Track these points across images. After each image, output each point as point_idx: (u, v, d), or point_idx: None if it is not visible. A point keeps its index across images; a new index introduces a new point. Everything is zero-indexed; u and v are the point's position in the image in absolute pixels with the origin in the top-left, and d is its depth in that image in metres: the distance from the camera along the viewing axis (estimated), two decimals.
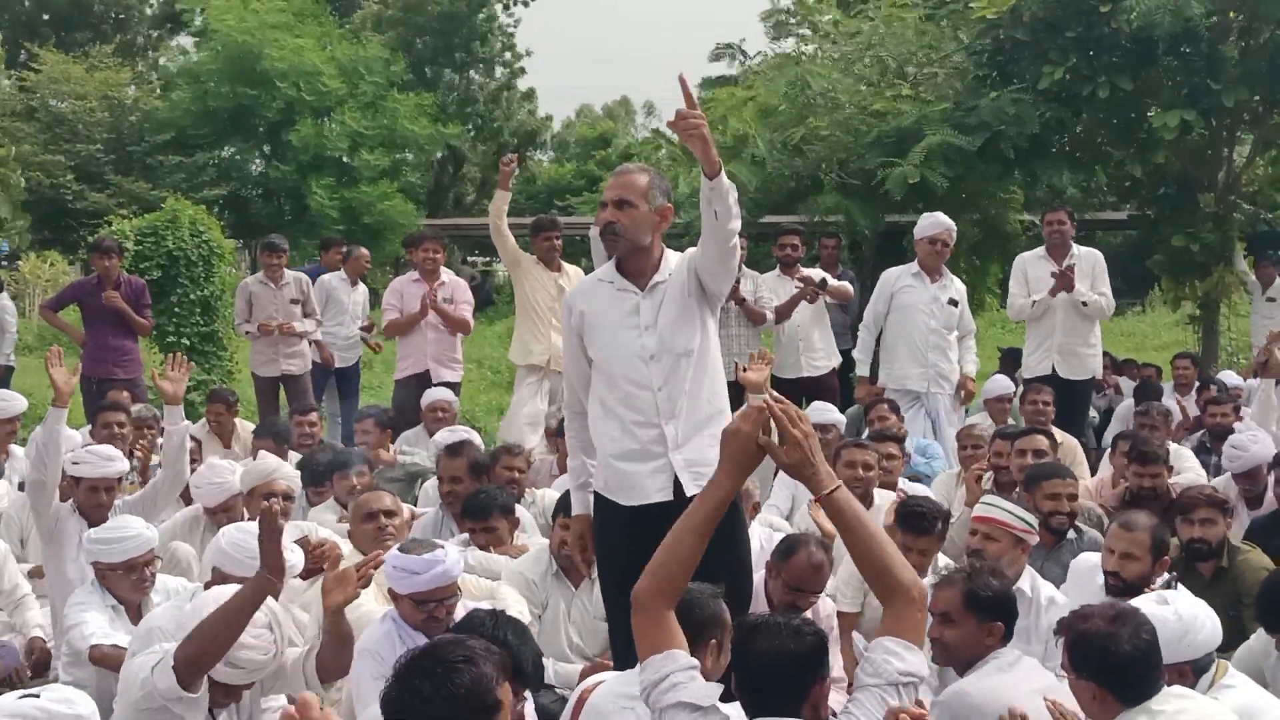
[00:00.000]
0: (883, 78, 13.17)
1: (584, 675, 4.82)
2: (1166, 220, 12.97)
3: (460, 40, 31.96)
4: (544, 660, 4.90)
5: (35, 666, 5.50)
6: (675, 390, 4.27)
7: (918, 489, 6.71)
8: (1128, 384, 11.83)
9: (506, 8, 33.97)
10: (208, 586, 4.47)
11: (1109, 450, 7.63)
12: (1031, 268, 9.02)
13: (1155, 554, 4.68)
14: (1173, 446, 7.36)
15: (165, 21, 34.95)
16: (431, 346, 9.17)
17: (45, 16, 34.36)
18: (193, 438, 7.30)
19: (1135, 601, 3.78)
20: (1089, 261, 8.99)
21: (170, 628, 4.22)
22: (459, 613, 4.24)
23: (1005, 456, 6.65)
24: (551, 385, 8.55)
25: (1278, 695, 4.04)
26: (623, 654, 4.20)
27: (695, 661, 3.05)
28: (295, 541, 5.36)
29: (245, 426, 8.55)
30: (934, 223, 8.55)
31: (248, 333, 9.77)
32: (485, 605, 4.33)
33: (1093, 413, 10.05)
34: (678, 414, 4.27)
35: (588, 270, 6.79)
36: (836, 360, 9.58)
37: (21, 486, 6.72)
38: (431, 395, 8.48)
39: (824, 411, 7.37)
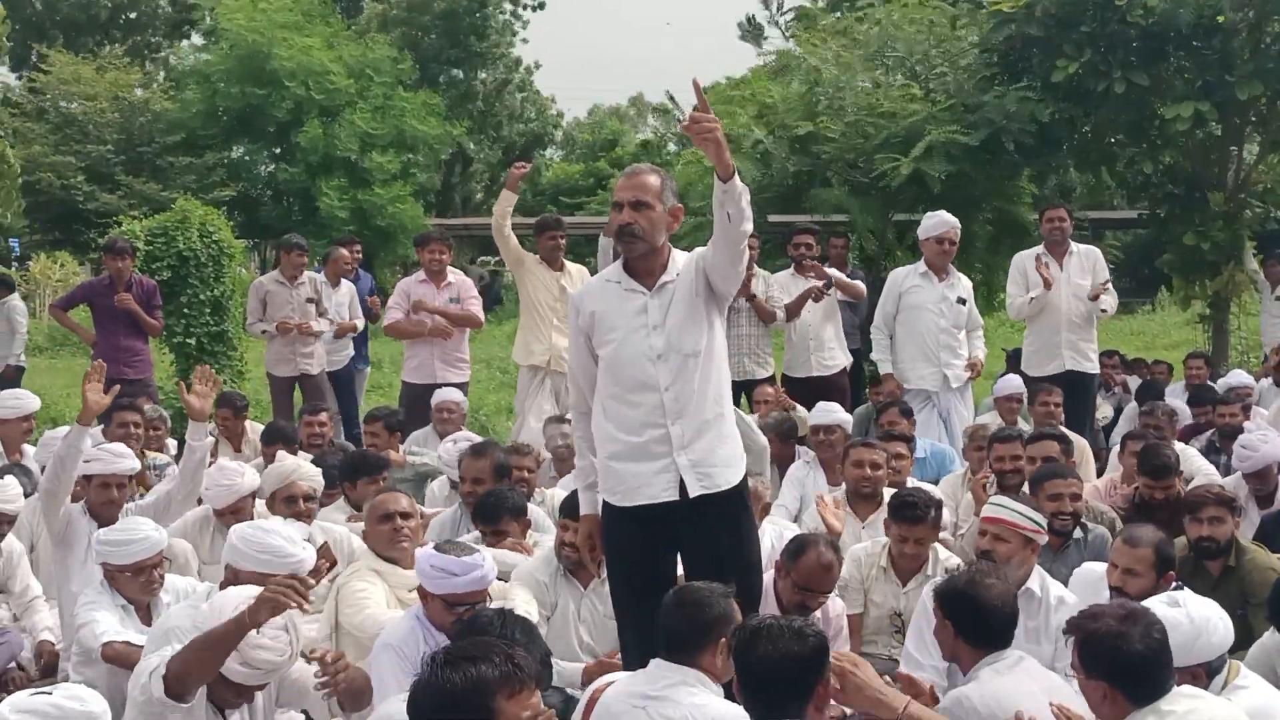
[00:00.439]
0: (889, 76, 13.16)
1: (587, 673, 4.84)
2: (1176, 219, 12.95)
3: (463, 37, 31.97)
4: (553, 660, 4.93)
5: (44, 670, 5.51)
6: (682, 390, 4.26)
7: (927, 488, 6.68)
8: (1137, 383, 11.81)
9: (516, 8, 33.98)
10: (222, 586, 4.49)
11: (1118, 450, 7.61)
12: (1032, 267, 8.97)
13: (1160, 569, 4.64)
14: (1179, 446, 7.35)
15: (176, 22, 35.02)
16: (438, 347, 9.19)
17: (56, 18, 34.45)
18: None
19: (1146, 602, 3.77)
20: (1089, 258, 8.98)
21: (188, 626, 4.23)
22: None
23: (1005, 460, 6.61)
24: (553, 384, 8.61)
25: None
26: (632, 653, 4.21)
27: None
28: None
29: (255, 429, 8.56)
30: (939, 221, 8.54)
31: (264, 331, 9.75)
32: (495, 604, 4.34)
33: (1108, 412, 10.02)
34: (684, 414, 4.26)
35: (593, 270, 6.83)
36: (847, 360, 9.58)
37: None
38: (440, 395, 8.49)
39: (830, 412, 7.35)
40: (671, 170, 11.01)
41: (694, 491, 4.24)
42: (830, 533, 5.76)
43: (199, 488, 6.01)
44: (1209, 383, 10.04)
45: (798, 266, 9.43)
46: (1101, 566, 4.91)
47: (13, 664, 5.48)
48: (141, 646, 4.44)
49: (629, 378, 4.29)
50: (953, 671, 4.28)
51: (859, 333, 10.03)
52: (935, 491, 6.42)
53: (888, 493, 6.26)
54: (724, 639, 3.65)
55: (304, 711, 4.37)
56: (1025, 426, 8.53)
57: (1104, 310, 8.92)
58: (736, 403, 6.28)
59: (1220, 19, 11.36)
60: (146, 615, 4.81)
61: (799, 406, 7.96)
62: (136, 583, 4.79)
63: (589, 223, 28.75)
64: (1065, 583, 5.09)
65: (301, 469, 5.72)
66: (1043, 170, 13.15)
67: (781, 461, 7.69)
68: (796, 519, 6.63)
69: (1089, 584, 5.03)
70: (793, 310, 9.21)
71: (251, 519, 5.54)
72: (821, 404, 7.45)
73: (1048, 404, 8.22)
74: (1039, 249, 9.07)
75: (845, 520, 6.17)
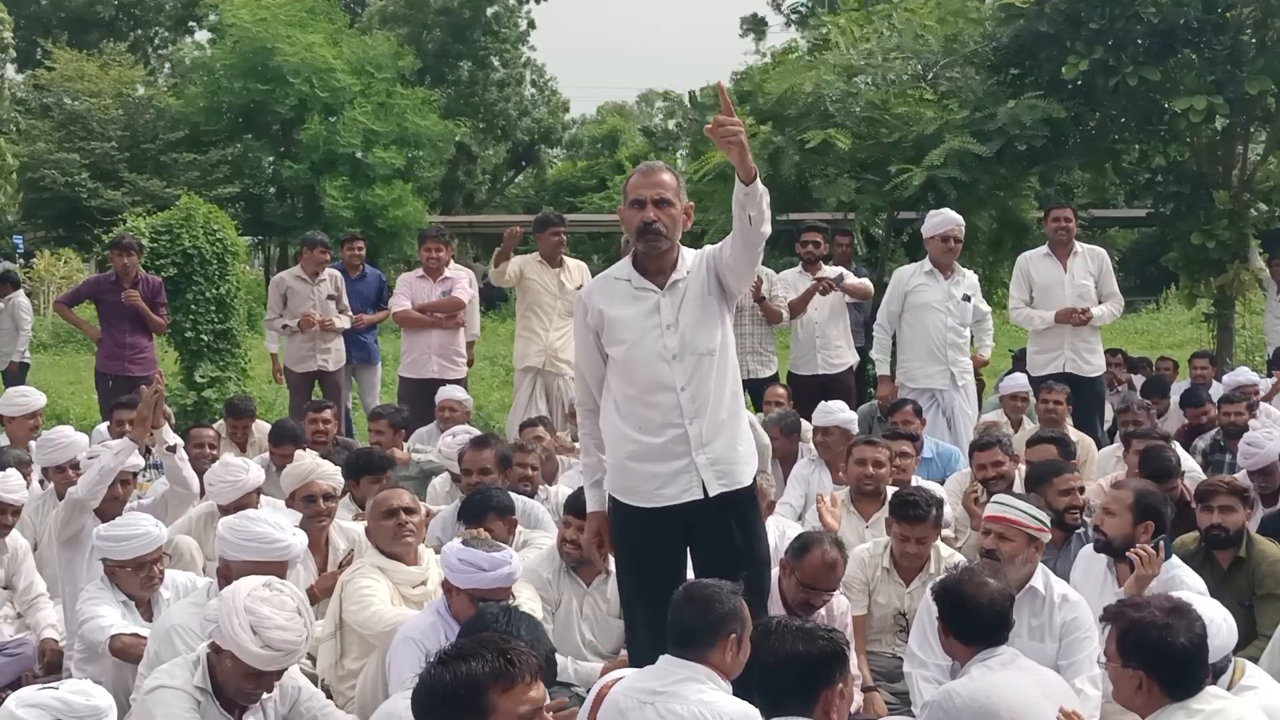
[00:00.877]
0: (899, 72, 13.16)
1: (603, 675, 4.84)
2: (1182, 217, 12.95)
3: (468, 33, 31.95)
4: (563, 659, 4.94)
5: (47, 668, 5.51)
6: (698, 390, 4.26)
7: (932, 487, 6.69)
8: (1141, 381, 11.80)
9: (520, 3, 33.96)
10: (218, 578, 4.48)
11: (1121, 449, 7.62)
12: (1035, 268, 8.94)
13: (1139, 514, 4.83)
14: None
15: (180, 18, 35.03)
16: (436, 341, 9.20)
17: (61, 14, 34.46)
18: (211, 445, 7.27)
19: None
20: (1095, 260, 8.93)
21: (193, 625, 4.24)
22: None
23: (987, 468, 6.56)
24: (545, 383, 8.69)
25: None
26: (640, 652, 4.21)
27: None
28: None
29: (261, 428, 8.56)
30: (943, 219, 8.52)
31: (284, 326, 9.74)
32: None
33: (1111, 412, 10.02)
34: (702, 413, 4.26)
35: (598, 268, 6.84)
36: (854, 359, 9.58)
37: (42, 484, 6.75)
38: (443, 394, 8.51)
39: (829, 414, 7.29)
40: (671, 161, 11.02)
41: (714, 491, 4.25)
42: (827, 528, 5.77)
43: (192, 491, 6.04)
44: (1202, 383, 10.06)
45: (806, 264, 9.43)
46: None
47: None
48: (148, 638, 4.46)
49: (644, 378, 4.28)
50: (957, 669, 4.28)
51: (863, 331, 10.02)
52: (937, 489, 6.45)
53: (891, 491, 6.26)
54: (733, 635, 3.65)
55: None
56: (1031, 425, 8.55)
57: (1104, 321, 8.87)
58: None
59: (1227, 15, 11.38)
60: (148, 611, 4.82)
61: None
62: (136, 578, 4.79)
63: (590, 220, 28.80)
64: (1067, 578, 5.10)
65: (321, 468, 5.67)
66: (1048, 170, 13.13)
67: (785, 457, 7.69)
68: (800, 518, 6.63)
69: (1088, 558, 5.09)
70: (796, 307, 9.20)
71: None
72: (823, 404, 7.42)
73: (1048, 402, 8.21)
74: (1043, 249, 9.04)
75: (842, 518, 6.15)
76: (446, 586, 4.35)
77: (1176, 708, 3.42)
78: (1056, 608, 4.65)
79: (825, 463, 7.16)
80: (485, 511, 5.48)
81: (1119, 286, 9.17)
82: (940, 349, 8.38)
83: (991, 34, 12.61)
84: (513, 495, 6.17)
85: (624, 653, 5.12)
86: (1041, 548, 4.80)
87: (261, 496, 6.00)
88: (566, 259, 8.96)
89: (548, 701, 2.96)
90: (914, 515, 5.29)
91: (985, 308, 8.86)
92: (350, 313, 9.79)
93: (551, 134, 37.06)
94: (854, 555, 5.46)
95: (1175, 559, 4.98)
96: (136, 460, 5.87)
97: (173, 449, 5.86)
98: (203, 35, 31.35)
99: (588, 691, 4.72)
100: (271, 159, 26.36)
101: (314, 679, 4.59)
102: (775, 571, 4.89)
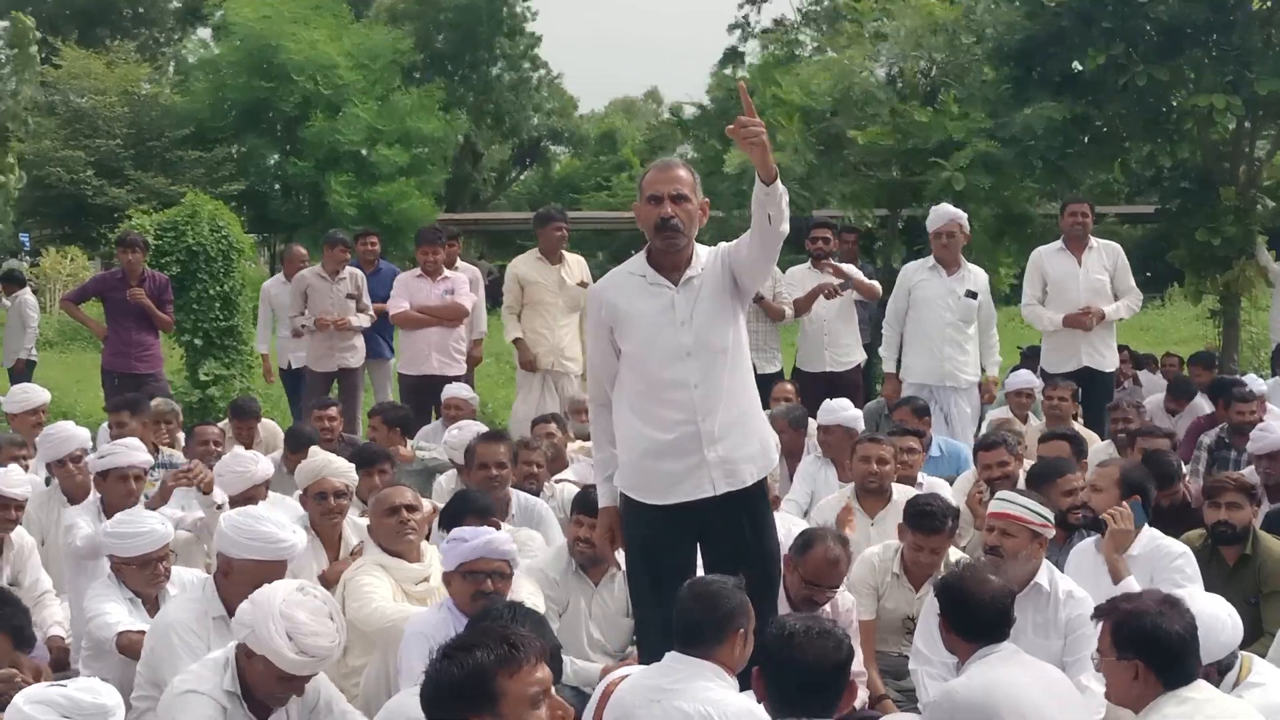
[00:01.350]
0: (914, 75, 13.22)
1: (605, 674, 4.84)
2: (1188, 214, 12.95)
3: (481, 34, 31.91)
4: (565, 658, 4.93)
5: (54, 665, 5.50)
6: (712, 387, 4.27)
7: (937, 484, 6.69)
8: (1148, 377, 11.78)
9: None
10: (216, 576, 4.47)
11: (1113, 447, 7.61)
12: (1049, 263, 8.90)
13: (1125, 489, 4.99)
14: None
15: (185, 15, 35.05)
16: (435, 337, 9.21)
17: (67, 12, 34.45)
18: (216, 442, 7.28)
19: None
20: (1110, 255, 8.88)
21: (191, 622, 4.24)
22: None
23: (993, 467, 6.52)
24: (554, 383, 8.74)
25: None
26: (650, 649, 4.20)
27: None
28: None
29: (267, 426, 8.57)
30: (938, 215, 8.50)
31: (303, 326, 9.75)
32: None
33: None
34: (713, 411, 4.27)
35: (599, 265, 6.87)
36: (862, 356, 9.56)
37: (48, 481, 6.75)
38: (449, 391, 8.52)
39: (832, 412, 7.27)
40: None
41: (720, 489, 4.27)
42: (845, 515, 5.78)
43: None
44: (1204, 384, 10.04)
45: (815, 260, 9.42)
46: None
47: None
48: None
49: (658, 375, 4.29)
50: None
51: (870, 328, 10.01)
52: (946, 490, 6.43)
53: (898, 488, 6.25)
54: (740, 630, 3.65)
55: None
56: (1037, 422, 8.53)
57: (1120, 316, 8.85)
58: None
59: (1234, 15, 11.40)
60: (154, 607, 4.79)
61: None
62: (142, 575, 4.78)
63: (594, 216, 28.80)
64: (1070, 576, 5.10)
65: (332, 464, 5.64)
66: (1054, 170, 13.15)
67: (791, 453, 7.68)
68: (806, 514, 6.62)
69: (1084, 549, 5.10)
70: (802, 306, 9.19)
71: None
72: (826, 403, 7.40)
73: (1053, 398, 8.19)
74: (1057, 244, 8.99)
75: (857, 524, 6.14)
76: (446, 578, 4.37)
77: (1167, 697, 3.44)
78: (1061, 604, 4.64)
79: (830, 460, 7.16)
80: (464, 514, 5.46)
81: None
82: (936, 345, 8.34)
83: (1006, 31, 12.59)
84: (515, 493, 6.22)
85: (631, 650, 5.15)
86: (1045, 544, 4.80)
87: (269, 492, 6.01)
88: (566, 254, 8.95)
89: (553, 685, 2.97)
90: (930, 527, 5.24)
91: (992, 314, 8.67)
92: (371, 311, 9.78)
93: (560, 131, 37.04)
94: (863, 559, 5.45)
95: (1156, 530, 5.04)
96: (145, 458, 5.87)
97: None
98: (207, 33, 31.37)
99: (586, 689, 4.78)
100: (276, 156, 26.37)
101: None
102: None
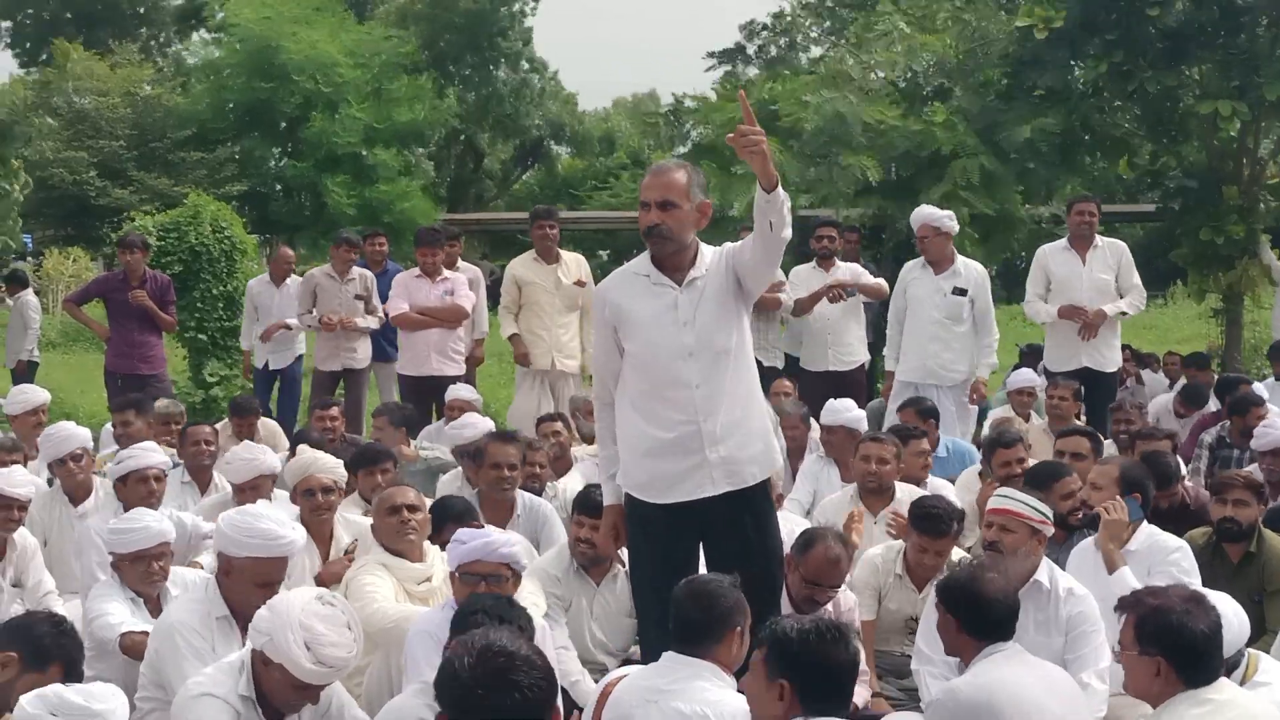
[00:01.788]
0: (915, 90, 13.30)
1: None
2: (1191, 213, 12.96)
3: (484, 37, 31.90)
4: (575, 678, 4.98)
5: None
6: (714, 388, 4.28)
7: (941, 485, 6.68)
8: (1150, 376, 11.78)
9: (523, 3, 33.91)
10: (217, 576, 4.46)
11: (1115, 448, 7.61)
12: (1053, 261, 8.88)
13: (1124, 487, 5.03)
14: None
15: (186, 16, 35.07)
16: (434, 337, 9.20)
17: (67, 14, 34.52)
18: (208, 441, 7.24)
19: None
20: (1114, 254, 8.86)
21: (194, 623, 4.23)
22: None
23: (1012, 464, 6.48)
24: (550, 382, 8.73)
25: None
26: (652, 646, 4.20)
27: None
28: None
29: (267, 424, 8.57)
30: (915, 218, 8.54)
31: (309, 325, 9.79)
32: None
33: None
34: (715, 411, 4.28)
35: (601, 265, 6.87)
36: (865, 356, 9.56)
37: (50, 482, 6.76)
38: (451, 393, 8.50)
39: (836, 413, 7.23)
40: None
41: (720, 489, 4.28)
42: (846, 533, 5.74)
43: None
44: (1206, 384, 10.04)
45: (820, 260, 9.42)
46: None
47: None
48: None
49: (660, 374, 4.30)
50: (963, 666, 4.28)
51: (873, 327, 10.02)
52: (950, 491, 6.42)
53: (903, 488, 6.25)
54: (737, 629, 3.65)
55: None
56: (1039, 421, 8.53)
57: (1123, 313, 8.83)
58: None
59: (1242, 19, 11.45)
60: (157, 608, 4.78)
61: None
62: (135, 571, 4.75)
63: (596, 216, 28.80)
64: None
65: (319, 461, 5.68)
66: (1050, 177, 13.21)
67: (794, 451, 7.68)
68: (808, 513, 6.62)
69: (1086, 558, 5.09)
70: (804, 306, 9.19)
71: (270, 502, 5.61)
72: (830, 403, 7.38)
73: (1055, 398, 8.18)
74: (1062, 242, 8.98)
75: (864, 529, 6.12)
76: (450, 577, 4.41)
77: (1186, 696, 3.42)
78: (1062, 601, 4.64)
79: (833, 460, 7.15)
80: (444, 522, 5.47)
81: None
82: (924, 343, 8.33)
83: (1007, 46, 12.63)
84: (520, 493, 6.22)
85: (634, 651, 5.15)
86: (1044, 541, 4.80)
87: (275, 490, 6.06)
88: (563, 253, 8.96)
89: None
90: (937, 530, 5.24)
91: (987, 313, 8.46)
92: (380, 312, 9.78)
93: (561, 128, 37.00)
94: (866, 559, 5.45)
95: (1154, 526, 5.05)
96: (163, 459, 5.89)
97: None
98: (209, 34, 31.32)
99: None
100: (278, 155, 26.36)
101: None
102: None
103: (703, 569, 4.34)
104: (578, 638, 5.23)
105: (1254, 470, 6.68)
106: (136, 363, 9.51)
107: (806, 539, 4.85)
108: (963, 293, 8.32)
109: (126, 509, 5.55)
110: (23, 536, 5.78)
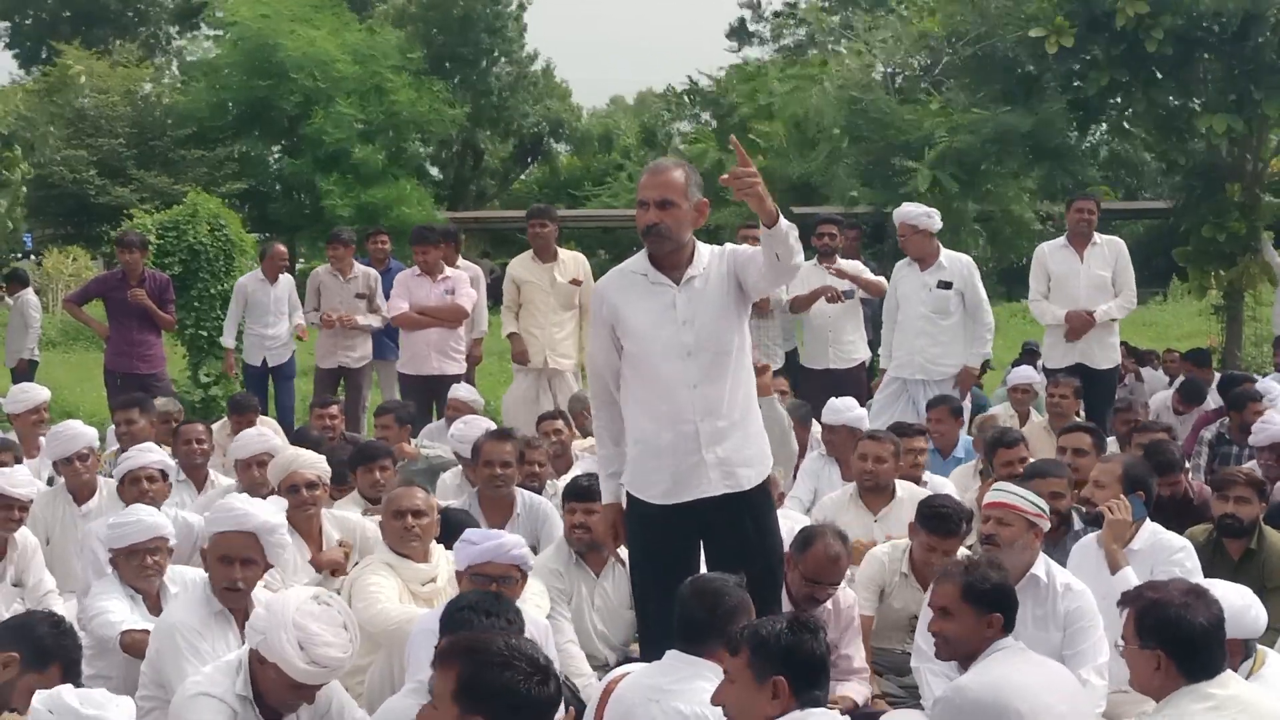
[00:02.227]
0: (907, 73, 13.31)
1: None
2: (1194, 210, 12.97)
3: (475, 33, 31.87)
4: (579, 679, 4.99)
5: None
6: (712, 388, 4.29)
7: (941, 481, 6.68)
8: (1150, 373, 11.78)
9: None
10: (204, 556, 4.49)
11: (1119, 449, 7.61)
12: (1052, 260, 8.89)
13: (1127, 484, 5.02)
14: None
15: (185, 14, 35.06)
16: (434, 337, 9.20)
17: (66, 14, 34.49)
18: (199, 440, 7.22)
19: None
20: (1112, 251, 8.87)
21: (194, 623, 4.23)
22: None
23: (1014, 464, 6.46)
24: (548, 382, 8.75)
25: None
26: (653, 645, 4.21)
27: None
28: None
29: (266, 423, 8.56)
30: (895, 215, 8.59)
31: (312, 323, 9.85)
32: None
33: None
34: (713, 412, 4.29)
35: (600, 264, 6.88)
36: (866, 354, 9.56)
37: (50, 481, 6.76)
38: (454, 392, 8.51)
39: (838, 412, 7.21)
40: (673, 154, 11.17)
41: (718, 489, 4.30)
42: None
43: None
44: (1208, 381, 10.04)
45: (821, 257, 9.43)
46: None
47: None
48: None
49: (658, 373, 4.31)
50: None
51: (873, 325, 10.02)
52: (951, 489, 6.42)
53: (903, 486, 6.25)
54: None
55: None
56: (1038, 418, 8.53)
57: (1112, 318, 8.83)
58: None
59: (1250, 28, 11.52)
60: (156, 604, 4.78)
61: None
62: (129, 565, 4.76)
63: (595, 215, 28.79)
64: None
65: (301, 457, 5.72)
66: (1052, 171, 13.23)
67: (801, 446, 7.67)
68: (808, 511, 6.62)
69: (1086, 546, 5.09)
70: (800, 304, 9.18)
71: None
72: (831, 402, 7.38)
73: (1055, 395, 8.19)
74: (1061, 240, 8.99)
75: (850, 513, 6.11)
76: (457, 576, 4.42)
77: (1188, 690, 3.42)
78: (1060, 596, 4.64)
79: (834, 458, 7.15)
80: (446, 538, 5.45)
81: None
82: (911, 339, 8.36)
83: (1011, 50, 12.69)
84: (520, 492, 6.23)
85: (634, 650, 5.15)
86: (1041, 534, 4.80)
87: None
88: (562, 252, 8.96)
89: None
90: (946, 530, 5.21)
91: (977, 300, 8.41)
92: (384, 311, 9.78)
93: (558, 124, 36.97)
94: (871, 556, 5.44)
95: (1157, 525, 5.04)
96: (155, 458, 5.90)
97: None
98: (207, 33, 31.31)
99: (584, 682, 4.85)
100: (278, 154, 26.35)
101: None
102: None
103: (703, 568, 4.35)
104: (580, 630, 5.26)
105: (1254, 467, 6.69)
106: (136, 362, 9.52)
107: (806, 537, 4.85)
108: (948, 286, 8.35)
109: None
110: (23, 536, 5.78)
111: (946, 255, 8.48)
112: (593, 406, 4.71)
